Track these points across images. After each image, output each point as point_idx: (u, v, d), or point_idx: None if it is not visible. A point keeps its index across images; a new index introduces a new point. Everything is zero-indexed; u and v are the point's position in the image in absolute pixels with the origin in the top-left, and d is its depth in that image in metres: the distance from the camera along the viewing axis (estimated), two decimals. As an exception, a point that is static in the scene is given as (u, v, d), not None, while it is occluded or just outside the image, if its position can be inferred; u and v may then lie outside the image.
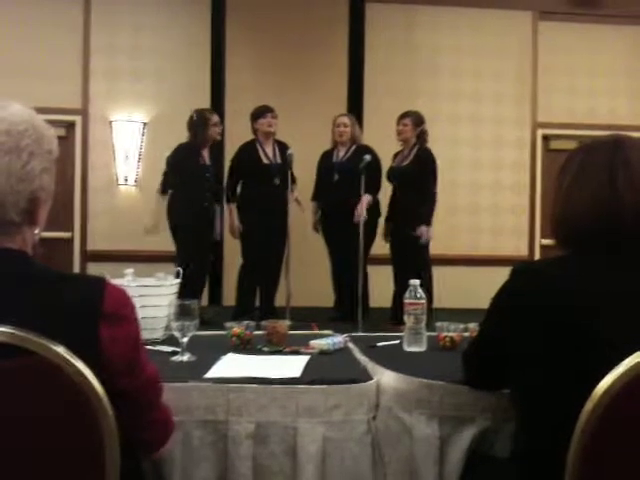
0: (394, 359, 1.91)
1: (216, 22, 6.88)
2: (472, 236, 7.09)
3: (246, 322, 2.17)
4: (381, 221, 5.74)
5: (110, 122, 6.78)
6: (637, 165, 1.39)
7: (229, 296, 6.22)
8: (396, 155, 5.72)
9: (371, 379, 1.73)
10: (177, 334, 1.92)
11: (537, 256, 7.15)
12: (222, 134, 6.00)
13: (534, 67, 7.24)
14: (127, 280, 2.23)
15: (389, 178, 5.68)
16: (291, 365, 1.85)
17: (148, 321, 2.08)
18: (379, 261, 5.71)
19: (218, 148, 5.99)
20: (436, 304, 5.05)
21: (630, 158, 1.40)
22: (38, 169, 1.20)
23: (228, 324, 2.16)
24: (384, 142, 5.82)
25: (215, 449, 1.62)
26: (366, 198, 5.36)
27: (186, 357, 1.91)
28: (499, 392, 1.58)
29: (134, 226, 6.60)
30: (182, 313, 1.91)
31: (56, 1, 6.71)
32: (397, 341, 2.17)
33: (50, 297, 1.17)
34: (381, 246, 5.68)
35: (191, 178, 5.42)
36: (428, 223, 5.45)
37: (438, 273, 5.63)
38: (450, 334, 2.10)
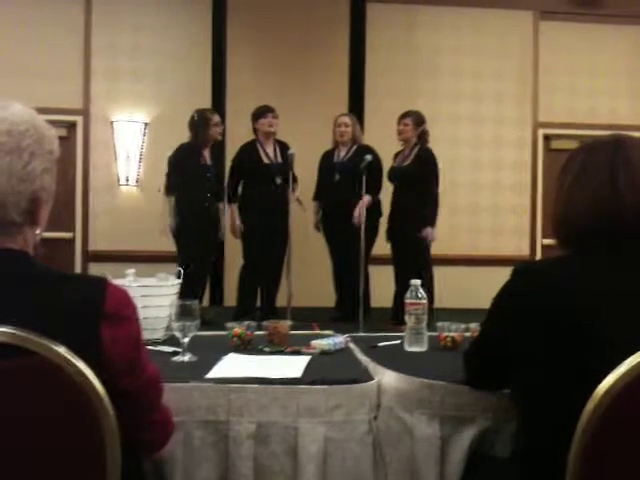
0: (395, 359, 1.91)
1: (217, 22, 6.89)
2: (472, 236, 7.09)
3: (247, 322, 2.17)
4: (382, 221, 5.73)
5: (111, 122, 6.78)
6: (638, 165, 1.39)
7: (230, 296, 6.22)
8: (397, 155, 5.72)
9: (372, 379, 1.73)
10: (178, 334, 1.92)
11: (539, 256, 7.15)
12: (223, 134, 6.00)
13: (535, 67, 7.24)
14: (128, 280, 2.23)
15: (390, 178, 5.68)
16: (292, 365, 1.85)
17: (149, 321, 2.09)
18: (380, 261, 5.71)
19: (219, 148, 5.99)
20: (437, 304, 5.05)
21: (631, 158, 1.40)
22: (39, 169, 1.20)
23: (229, 324, 2.16)
24: (385, 142, 5.82)
25: (216, 449, 1.62)
26: (366, 199, 5.36)
27: (187, 357, 1.91)
28: (500, 392, 1.58)
29: (135, 226, 6.61)
30: (183, 313, 1.91)
31: (57, 1, 6.71)
32: (398, 341, 2.17)
33: (51, 297, 1.17)
34: (382, 246, 5.68)
35: (192, 178, 5.42)
36: (432, 224, 5.46)
37: (439, 273, 5.63)
38: (451, 334, 2.10)
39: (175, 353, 1.96)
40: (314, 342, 2.08)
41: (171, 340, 2.09)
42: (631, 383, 1.16)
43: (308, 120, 6.60)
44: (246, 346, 2.08)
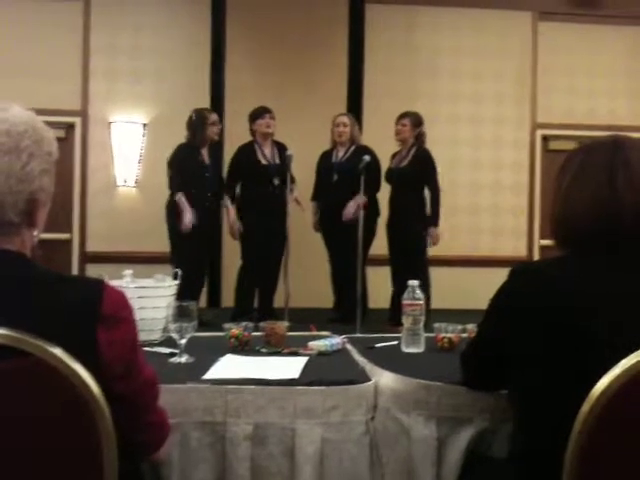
0: (392, 360, 1.91)
1: (216, 22, 6.89)
2: (472, 237, 7.09)
3: (244, 323, 2.17)
4: (380, 221, 5.74)
5: (109, 123, 6.78)
6: (637, 166, 1.39)
7: (228, 298, 6.22)
8: (394, 156, 5.73)
9: (369, 380, 1.73)
10: (175, 335, 1.92)
11: (536, 257, 7.15)
12: (221, 134, 6.00)
13: (534, 67, 7.24)
14: (126, 281, 2.23)
15: (387, 179, 5.68)
16: (289, 366, 1.85)
17: (146, 322, 2.08)
18: (378, 262, 5.72)
19: (218, 149, 5.99)
20: (435, 305, 5.05)
21: (630, 158, 1.40)
22: (37, 170, 1.21)
23: (226, 325, 2.16)
24: (384, 143, 5.82)
25: (213, 450, 1.62)
26: (359, 199, 5.35)
27: (184, 358, 1.91)
28: (497, 393, 1.58)
29: (133, 228, 6.61)
30: (180, 314, 1.91)
31: (56, 1, 6.70)
32: (395, 342, 2.17)
33: (48, 299, 1.18)
34: (380, 247, 5.68)
35: (192, 178, 5.42)
36: (437, 224, 5.47)
37: (438, 274, 5.63)
38: (448, 335, 2.10)
39: (172, 354, 1.96)
40: (311, 343, 2.08)
41: (168, 341, 2.09)
42: (626, 384, 1.16)
43: (307, 120, 6.60)
44: (243, 347, 2.08)
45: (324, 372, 1.79)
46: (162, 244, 5.57)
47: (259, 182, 5.56)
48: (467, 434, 1.61)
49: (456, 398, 1.62)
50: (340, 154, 5.79)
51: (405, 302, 2.10)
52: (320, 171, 5.90)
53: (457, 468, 1.60)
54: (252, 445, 1.61)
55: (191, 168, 5.44)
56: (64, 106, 6.64)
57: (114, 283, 2.03)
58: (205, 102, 6.49)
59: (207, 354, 1.95)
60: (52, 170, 1.25)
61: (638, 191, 1.37)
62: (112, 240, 6.67)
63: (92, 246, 6.79)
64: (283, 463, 1.62)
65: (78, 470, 1.14)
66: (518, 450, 1.44)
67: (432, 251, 5.63)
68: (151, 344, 2.12)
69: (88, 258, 6.78)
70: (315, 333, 2.37)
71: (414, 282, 2.11)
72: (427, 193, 5.58)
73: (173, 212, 5.46)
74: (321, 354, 2.03)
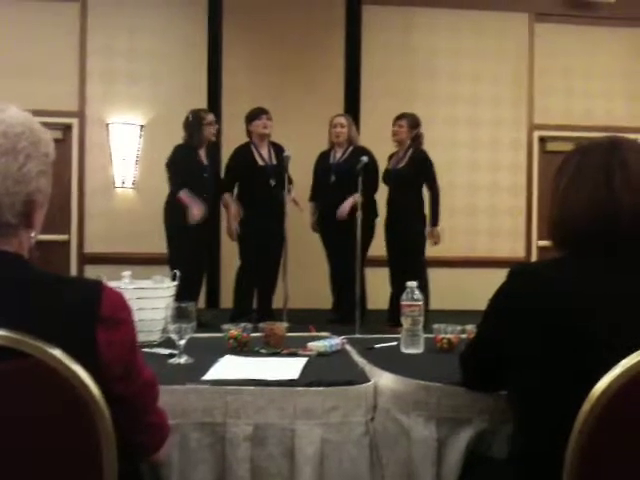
0: (391, 361, 1.91)
1: (212, 24, 6.89)
2: (469, 238, 7.09)
3: (243, 324, 2.18)
4: (378, 222, 5.74)
5: (107, 124, 6.78)
6: (634, 166, 1.39)
7: (226, 299, 6.22)
8: (391, 157, 5.73)
9: (369, 381, 1.73)
10: (174, 336, 1.92)
11: (534, 258, 7.16)
12: (219, 136, 6.00)
13: (530, 69, 7.25)
14: (124, 283, 2.23)
15: (385, 180, 5.68)
16: (289, 367, 1.85)
17: (145, 323, 2.08)
18: (376, 263, 5.72)
19: (215, 150, 5.99)
20: (433, 306, 5.05)
21: (627, 159, 1.40)
22: (34, 172, 1.20)
23: (225, 326, 2.16)
24: (381, 144, 5.82)
25: (213, 451, 1.62)
26: (354, 198, 5.36)
27: (183, 359, 1.91)
28: (496, 394, 1.58)
29: (131, 229, 6.60)
30: (179, 315, 1.91)
31: (53, 3, 6.70)
32: (394, 343, 2.17)
33: (47, 300, 1.17)
34: (378, 248, 5.68)
35: (190, 178, 5.41)
36: (437, 224, 5.52)
37: (435, 275, 5.64)
38: (447, 336, 2.11)
39: (171, 355, 1.96)
40: (311, 344, 2.08)
41: (167, 342, 2.09)
42: (626, 384, 1.16)
43: (304, 122, 6.61)
44: (242, 348, 2.09)
45: (323, 373, 1.79)
46: (160, 245, 5.57)
47: (256, 183, 5.56)
48: (467, 435, 1.61)
49: (456, 399, 1.62)
50: (338, 155, 5.79)
51: (404, 303, 2.10)
52: (318, 172, 5.89)
53: (457, 469, 1.60)
54: (252, 446, 1.61)
55: (189, 169, 5.43)
56: (61, 107, 6.64)
57: (113, 284, 2.02)
58: (202, 104, 6.48)
59: (206, 355, 1.95)
60: (49, 171, 1.25)
61: (635, 192, 1.37)
62: (110, 241, 6.67)
63: (90, 247, 6.79)
64: (283, 464, 1.62)
65: (78, 471, 1.14)
66: (517, 451, 1.44)
67: (430, 252, 5.64)
68: (150, 345, 2.12)
69: (86, 259, 6.78)
70: (314, 334, 2.37)
71: (413, 283, 2.11)
72: (425, 194, 5.60)
73: (171, 213, 5.46)
74: (320, 355, 2.03)
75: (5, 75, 6.31)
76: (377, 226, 5.72)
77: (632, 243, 1.37)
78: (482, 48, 7.13)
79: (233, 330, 2.12)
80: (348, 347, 2.16)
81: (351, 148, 5.76)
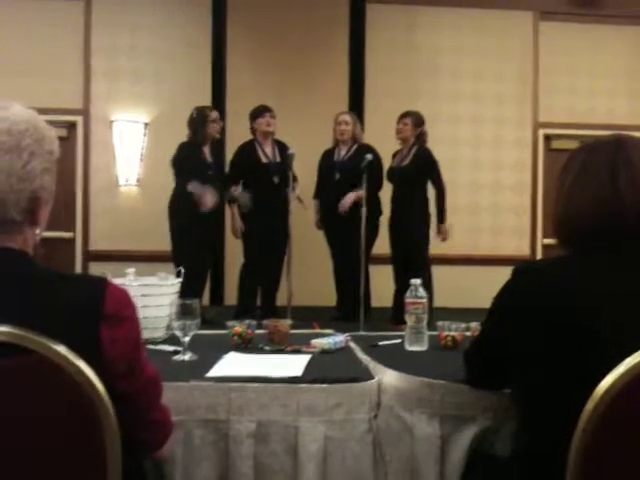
0: (395, 358, 1.91)
1: (217, 22, 6.89)
2: (472, 236, 7.09)
3: (247, 321, 2.17)
4: (382, 219, 5.74)
5: (111, 122, 6.78)
6: (639, 165, 1.39)
7: (231, 296, 6.23)
8: (395, 155, 5.73)
9: (372, 378, 1.73)
10: (179, 333, 1.92)
11: (539, 256, 7.15)
12: (223, 134, 6.00)
13: (535, 67, 7.24)
14: (128, 280, 2.23)
15: (389, 178, 5.68)
16: (292, 364, 1.85)
17: (150, 320, 2.09)
18: (380, 260, 5.72)
19: (219, 149, 5.99)
20: (436, 303, 5.05)
21: (632, 158, 1.40)
22: (39, 169, 1.21)
23: (229, 323, 2.16)
24: (385, 142, 5.82)
25: (216, 448, 1.62)
26: (357, 193, 5.35)
27: (187, 356, 1.91)
28: (500, 391, 1.58)
29: (135, 226, 6.62)
30: (184, 312, 1.91)
31: (57, 2, 6.71)
32: (398, 340, 2.17)
33: (51, 297, 1.17)
34: (382, 245, 5.68)
35: (195, 176, 5.41)
36: (444, 221, 5.55)
37: (438, 272, 5.63)
38: (452, 333, 2.10)
39: (175, 352, 1.96)
40: (314, 341, 2.08)
41: (171, 339, 2.09)
42: (630, 383, 1.16)
43: (308, 120, 6.60)
44: (246, 345, 2.09)
45: (327, 370, 1.79)
46: (164, 242, 5.58)
47: (260, 181, 5.56)
48: (470, 432, 1.61)
49: (459, 396, 1.62)
50: (342, 153, 5.79)
51: (408, 300, 2.10)
52: (322, 169, 5.89)
53: (460, 466, 1.60)
54: (255, 443, 1.61)
55: (193, 166, 5.43)
56: (66, 105, 6.65)
57: (117, 281, 2.02)
58: (206, 102, 6.48)
59: (210, 352, 1.95)
60: (53, 169, 1.25)
61: (640, 190, 1.37)
62: (115, 238, 6.69)
63: (95, 245, 6.81)
64: (286, 461, 1.62)
65: (82, 467, 1.14)
66: (521, 449, 1.44)
67: (434, 250, 5.64)
68: (154, 342, 2.12)
69: (91, 256, 6.79)
70: (318, 331, 2.37)
71: (417, 281, 2.11)
72: (430, 192, 5.60)
73: (176, 210, 5.47)
74: (324, 352, 2.03)
75: (10, 73, 6.32)
76: (381, 224, 5.72)
77: (637, 241, 1.37)
78: (486, 46, 7.12)
79: (237, 327, 2.12)
80: (352, 344, 2.16)
81: (356, 146, 5.76)
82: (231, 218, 5.77)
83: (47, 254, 1.28)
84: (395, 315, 5.21)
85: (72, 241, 6.78)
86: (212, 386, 1.65)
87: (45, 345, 1.08)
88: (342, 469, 1.63)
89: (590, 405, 1.17)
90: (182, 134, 5.58)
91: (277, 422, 1.63)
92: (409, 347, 2.08)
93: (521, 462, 1.42)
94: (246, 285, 5.68)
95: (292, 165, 5.29)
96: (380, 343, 2.16)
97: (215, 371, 1.76)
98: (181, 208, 5.43)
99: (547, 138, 7.28)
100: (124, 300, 1.24)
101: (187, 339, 1.92)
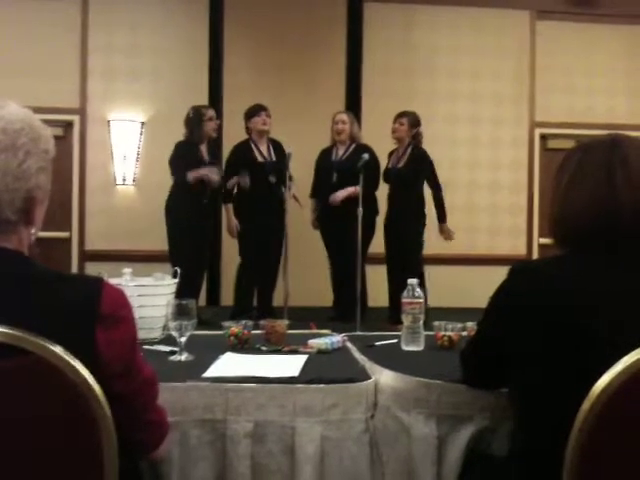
0: (392, 358, 1.91)
1: (214, 21, 6.88)
2: (469, 235, 7.09)
3: (244, 321, 2.17)
4: (379, 219, 5.74)
5: (108, 122, 6.77)
6: (635, 164, 1.39)
7: (227, 296, 6.22)
8: (390, 154, 5.73)
9: (369, 378, 1.73)
10: (175, 334, 1.92)
11: (535, 255, 7.16)
12: (220, 134, 6.00)
13: (532, 67, 7.25)
14: (125, 280, 2.23)
15: (385, 179, 5.69)
16: (289, 364, 1.85)
17: (146, 321, 2.08)
18: (377, 260, 5.72)
19: (216, 148, 5.98)
20: (432, 303, 5.05)
21: (628, 157, 1.40)
22: (34, 168, 1.20)
23: (226, 323, 2.16)
24: (382, 142, 5.82)
25: (213, 448, 1.62)
26: (353, 189, 5.35)
27: (184, 357, 1.91)
28: (497, 391, 1.58)
29: (132, 226, 6.61)
30: (180, 313, 1.91)
31: (54, 1, 6.69)
32: (395, 340, 2.17)
33: (47, 297, 1.17)
34: (379, 245, 5.68)
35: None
36: (445, 220, 5.59)
37: (435, 272, 5.64)
38: (448, 333, 2.10)
39: (172, 352, 1.95)
40: (311, 341, 2.08)
41: (168, 339, 2.09)
42: (627, 382, 1.16)
43: (305, 120, 6.60)
44: (243, 345, 2.08)
45: (324, 370, 1.79)
46: (161, 242, 5.57)
47: (256, 180, 5.55)
48: (467, 432, 1.61)
49: (456, 396, 1.62)
50: (340, 152, 5.79)
51: (405, 300, 2.09)
52: (320, 169, 5.89)
53: (457, 466, 1.60)
54: (252, 443, 1.61)
55: (190, 164, 5.43)
56: (63, 104, 6.64)
57: (113, 281, 2.02)
58: (203, 101, 6.48)
59: (207, 352, 1.95)
60: (49, 168, 1.25)
61: (636, 189, 1.37)
62: (111, 238, 6.68)
63: (91, 244, 6.80)
64: (283, 461, 1.62)
65: (78, 468, 1.14)
66: (518, 448, 1.44)
67: (431, 250, 5.65)
68: (151, 342, 2.12)
69: (87, 256, 6.78)
70: (315, 331, 2.37)
71: (413, 280, 2.11)
72: (426, 192, 5.60)
73: (173, 210, 5.47)
74: (321, 352, 2.03)
75: (6, 73, 6.30)
76: (377, 223, 5.72)
77: (633, 240, 1.37)
78: (483, 46, 7.12)
79: (234, 327, 2.12)
80: (349, 344, 2.15)
81: (353, 145, 5.76)
82: (226, 217, 5.76)
83: (43, 254, 1.28)
84: (392, 315, 5.21)
85: (68, 241, 6.77)
86: (209, 386, 1.65)
87: (42, 346, 1.08)
88: (339, 469, 1.63)
89: (587, 404, 1.17)
90: (179, 133, 5.58)
91: (274, 422, 1.63)
92: (406, 347, 2.08)
93: (518, 462, 1.42)
94: (242, 285, 5.68)
95: (289, 165, 5.29)
96: (377, 343, 2.16)
97: (212, 371, 1.76)
98: (178, 207, 5.43)
99: (543, 138, 7.29)
100: (120, 300, 1.23)
101: (183, 339, 1.91)
